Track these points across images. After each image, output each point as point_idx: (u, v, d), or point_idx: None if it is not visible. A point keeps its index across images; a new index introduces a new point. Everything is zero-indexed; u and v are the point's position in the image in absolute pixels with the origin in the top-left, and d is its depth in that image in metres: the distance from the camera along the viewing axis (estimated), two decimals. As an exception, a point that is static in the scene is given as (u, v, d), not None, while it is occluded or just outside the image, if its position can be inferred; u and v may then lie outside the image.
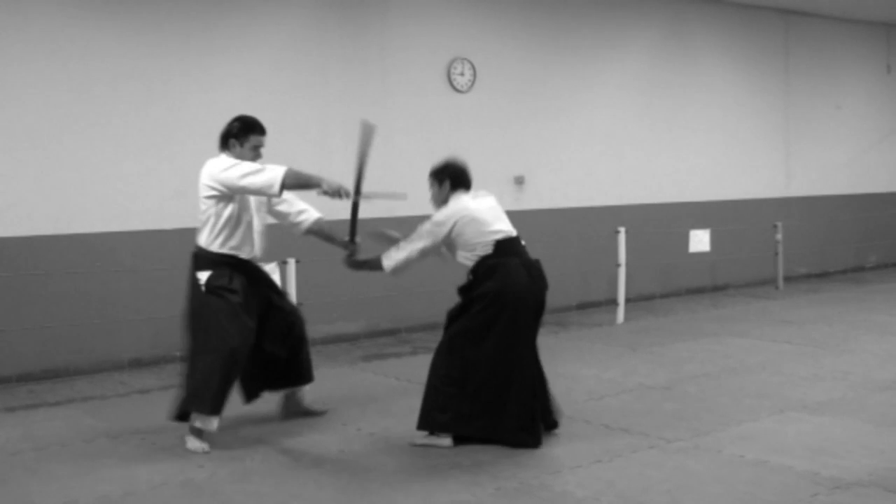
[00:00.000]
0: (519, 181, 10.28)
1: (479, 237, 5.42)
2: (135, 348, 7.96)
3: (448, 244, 5.51)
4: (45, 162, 7.51)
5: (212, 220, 5.51)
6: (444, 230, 5.44)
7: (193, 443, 5.44)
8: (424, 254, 5.52)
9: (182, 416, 5.54)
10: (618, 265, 9.85)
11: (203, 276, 5.49)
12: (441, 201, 5.59)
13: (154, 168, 7.99)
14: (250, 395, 5.89)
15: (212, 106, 8.28)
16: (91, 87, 7.68)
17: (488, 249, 5.41)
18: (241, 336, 5.40)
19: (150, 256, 7.97)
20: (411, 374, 7.41)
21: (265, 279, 5.77)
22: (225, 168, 5.42)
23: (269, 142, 8.43)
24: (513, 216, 10.03)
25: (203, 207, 5.52)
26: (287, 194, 5.60)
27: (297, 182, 5.35)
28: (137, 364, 7.94)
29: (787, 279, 12.61)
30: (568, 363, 7.49)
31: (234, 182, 5.37)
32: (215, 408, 5.39)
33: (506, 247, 5.42)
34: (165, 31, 8.02)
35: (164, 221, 8.02)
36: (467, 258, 5.47)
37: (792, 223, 12.79)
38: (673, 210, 11.72)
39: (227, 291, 5.43)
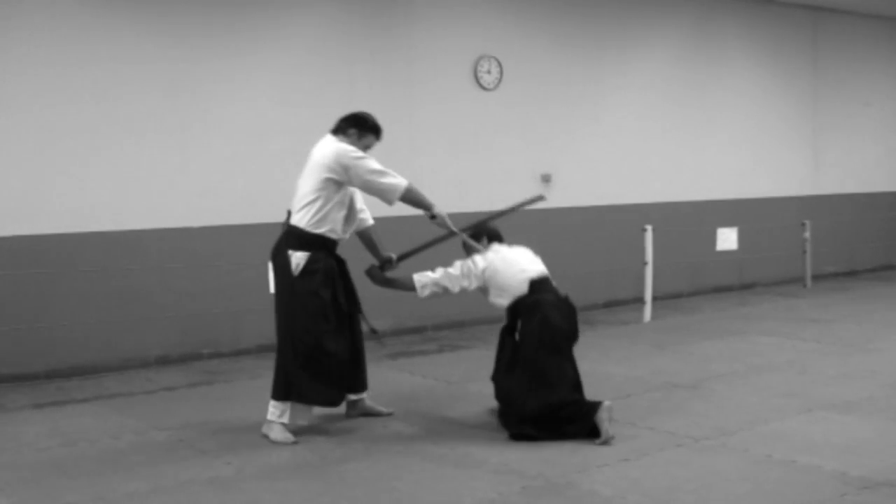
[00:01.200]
0: (546, 179, 10.24)
1: (512, 278, 5.68)
2: (161, 346, 7.98)
3: (483, 285, 5.75)
4: (75, 160, 7.54)
5: (319, 202, 5.44)
6: (479, 268, 5.73)
7: (278, 433, 5.46)
8: (455, 283, 5.75)
9: (284, 395, 5.51)
10: (644, 263, 9.80)
11: (299, 257, 5.43)
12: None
13: (182, 166, 8.00)
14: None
15: (238, 105, 8.30)
16: (120, 86, 7.70)
17: (523, 289, 5.65)
18: (329, 332, 5.45)
19: (178, 254, 7.98)
20: (438, 372, 7.39)
21: (345, 269, 5.75)
22: (356, 156, 5.42)
23: (293, 141, 8.52)
24: (539, 214, 10.13)
25: (312, 186, 5.44)
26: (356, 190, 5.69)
27: (413, 198, 5.51)
28: (164, 361, 7.96)
29: (815, 277, 12.50)
30: (595, 361, 7.45)
31: (360, 173, 5.39)
32: (316, 399, 5.49)
33: (539, 286, 5.67)
34: (192, 31, 8.03)
35: (191, 219, 8.04)
36: (502, 298, 5.71)
37: (820, 221, 12.67)
38: (700, 208, 11.64)
39: (321, 278, 5.42)
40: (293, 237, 5.48)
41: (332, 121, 8.75)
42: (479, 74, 9.71)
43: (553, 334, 5.49)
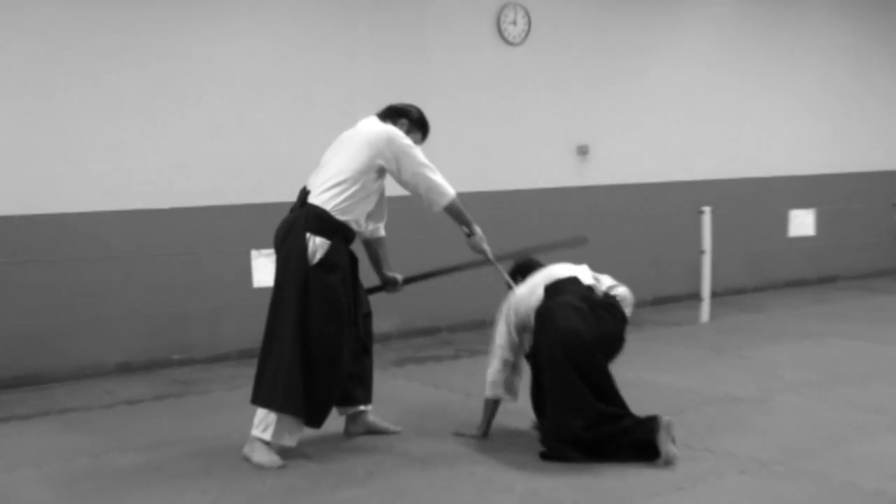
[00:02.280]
0: (582, 151, 10.21)
1: (530, 297, 5.71)
2: (124, 351, 7.99)
3: (524, 328, 5.76)
4: (16, 127, 7.54)
5: (355, 187, 5.48)
6: (507, 316, 5.78)
7: (262, 454, 5.44)
8: (509, 351, 5.76)
9: (270, 402, 5.48)
10: (701, 252, 9.77)
11: (318, 243, 5.40)
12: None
13: (151, 135, 8.00)
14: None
15: (221, 61, 8.28)
16: (75, 39, 7.69)
17: (539, 294, 5.71)
18: (342, 337, 5.47)
19: (145, 241, 7.98)
20: (453, 381, 7.38)
21: (356, 260, 5.78)
22: (410, 144, 5.56)
23: (284, 104, 8.53)
24: (574, 193, 10.11)
25: (350, 166, 5.48)
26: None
27: (459, 210, 5.71)
28: (126, 369, 7.96)
29: (908, 269, 12.47)
30: (641, 369, 7.42)
31: (412, 164, 5.53)
32: (312, 416, 5.51)
33: (558, 288, 5.70)
34: (160, -26, 8.02)
35: (162, 199, 8.04)
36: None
37: (915, 201, 12.60)
38: (769, 186, 11.59)
39: (343, 274, 5.47)
40: (314, 219, 5.45)
41: (330, 79, 8.90)
42: (503, 26, 9.68)
43: (568, 342, 5.41)
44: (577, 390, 5.35)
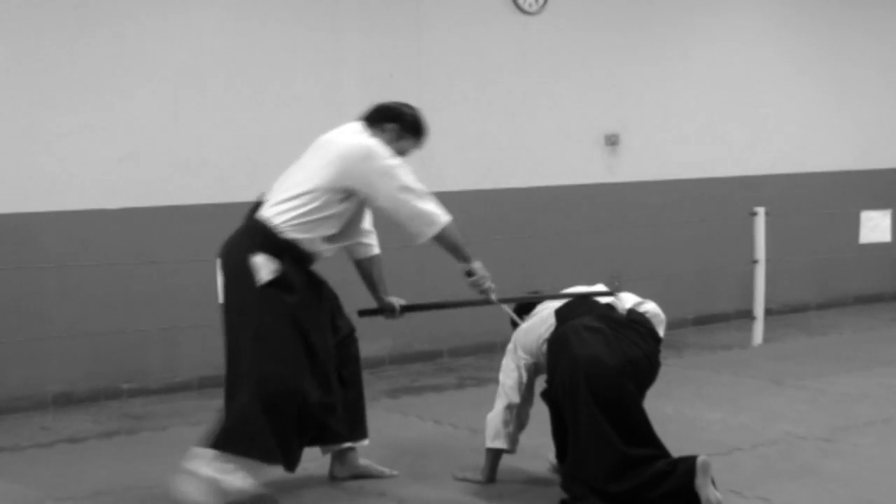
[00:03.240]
0: (611, 141, 10.21)
1: (538, 335, 5.75)
2: (63, 378, 7.96)
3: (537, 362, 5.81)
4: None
5: (315, 203, 5.47)
6: (515, 352, 5.87)
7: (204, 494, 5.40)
8: (516, 392, 5.80)
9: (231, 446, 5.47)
10: (754, 262, 9.77)
11: (263, 262, 5.40)
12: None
13: (92, 124, 7.98)
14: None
15: (176, 37, 8.28)
16: (7, 14, 7.69)
17: (551, 325, 5.71)
18: (306, 368, 5.48)
19: (88, 247, 7.96)
20: (457, 415, 7.36)
21: (327, 287, 5.84)
22: (391, 164, 5.53)
23: (259, 82, 8.51)
24: (602, 191, 10.10)
25: (313, 180, 5.48)
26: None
27: (452, 241, 5.64)
28: (66, 401, 7.93)
29: None
30: (683, 401, 7.42)
31: (391, 189, 5.48)
32: (273, 456, 5.46)
33: (573, 310, 5.72)
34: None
35: (108, 198, 8.02)
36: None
37: None
38: (836, 182, 11.59)
39: (300, 295, 5.48)
40: (258, 235, 5.48)
41: (310, 56, 8.88)
42: (518, -9, 9.71)
43: (590, 371, 5.37)
44: (601, 431, 5.30)
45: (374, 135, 5.64)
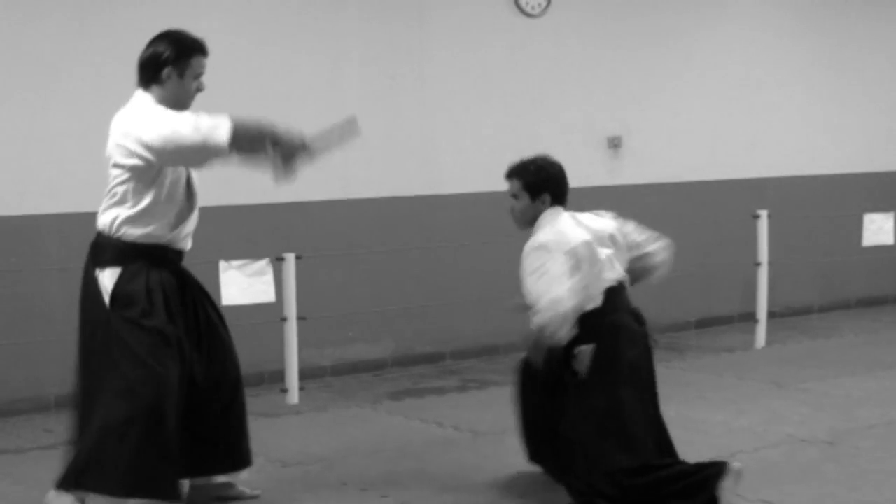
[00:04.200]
0: (613, 143, 10.21)
1: (595, 277, 5.54)
2: (65, 381, 7.94)
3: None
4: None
5: (126, 196, 5.14)
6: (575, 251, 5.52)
7: None
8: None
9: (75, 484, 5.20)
10: (757, 264, 9.77)
11: (107, 276, 5.15)
12: (528, 220, 5.69)
13: (95, 126, 7.97)
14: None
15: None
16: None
17: (598, 301, 5.51)
18: (163, 383, 5.09)
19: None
20: (459, 418, 7.36)
21: (199, 287, 5.56)
22: (146, 119, 5.06)
23: (265, 86, 8.50)
24: (603, 193, 10.07)
25: (114, 175, 5.17)
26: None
27: (246, 134, 5.09)
28: (68, 403, 7.91)
29: None
30: (684, 404, 7.41)
31: (162, 143, 4.99)
32: (137, 488, 5.07)
33: (616, 297, 5.61)
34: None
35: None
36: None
37: None
38: (838, 184, 11.56)
39: (143, 304, 5.12)
40: (96, 249, 5.26)
41: (310, 56, 8.85)
42: (520, -7, 9.72)
43: (632, 373, 5.47)
44: (637, 419, 5.36)
45: (153, 90, 5.24)
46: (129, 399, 5.04)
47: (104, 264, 5.17)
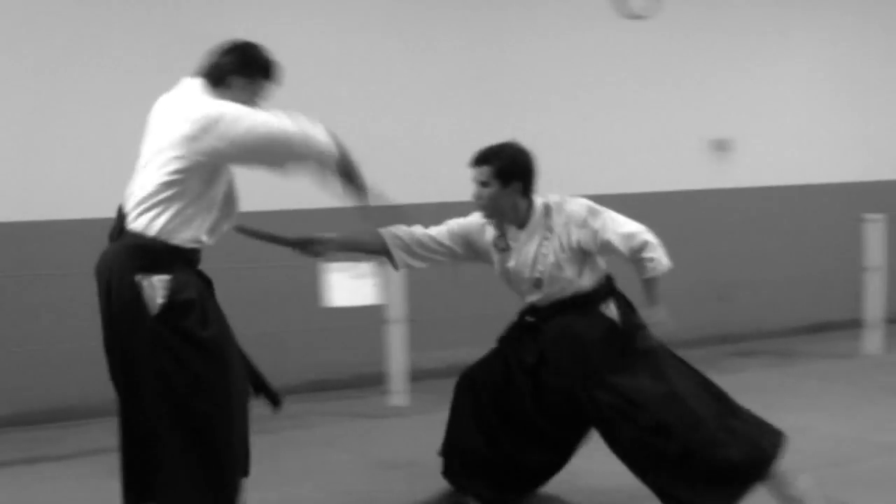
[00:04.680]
0: (721, 146, 10.14)
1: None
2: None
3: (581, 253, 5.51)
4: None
5: (180, 194, 4.67)
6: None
7: None
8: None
9: None
10: (865, 269, 9.67)
11: (156, 284, 4.67)
12: (497, 209, 5.49)
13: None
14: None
15: (274, 41, 8.28)
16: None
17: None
18: (241, 396, 4.97)
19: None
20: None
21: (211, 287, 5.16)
22: (238, 118, 4.66)
23: (359, 86, 8.54)
24: (710, 197, 10.01)
25: (170, 172, 4.64)
26: None
27: (346, 167, 4.93)
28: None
29: None
30: (794, 411, 7.32)
31: (237, 134, 4.64)
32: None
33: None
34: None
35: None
36: (587, 277, 5.55)
37: None
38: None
39: (198, 314, 4.79)
40: (138, 253, 4.70)
41: (398, 65, 8.88)
42: (626, -5, 9.71)
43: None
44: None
45: (217, 93, 4.81)
46: (215, 421, 4.80)
47: (149, 270, 4.66)
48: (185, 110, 4.65)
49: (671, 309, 9.32)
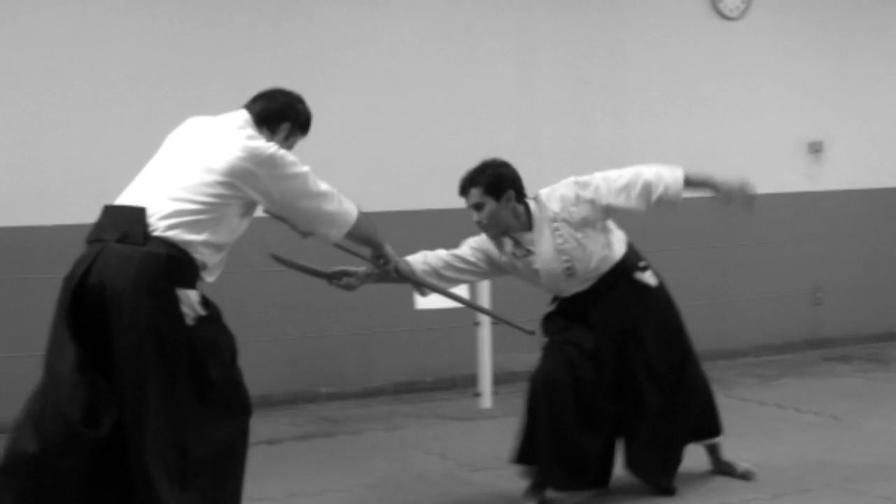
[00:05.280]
0: (814, 149, 10.02)
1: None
2: (261, 382, 8.04)
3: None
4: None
5: (217, 221, 4.64)
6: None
7: None
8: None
9: None
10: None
11: (192, 298, 4.58)
12: (500, 223, 5.52)
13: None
14: None
15: (375, 44, 8.38)
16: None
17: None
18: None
19: (286, 254, 8.06)
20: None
21: None
22: (295, 172, 4.76)
23: (458, 90, 8.54)
24: (804, 200, 9.89)
25: (208, 193, 4.58)
26: None
27: (364, 232, 5.12)
28: (265, 404, 8.02)
29: None
30: (887, 417, 7.17)
31: (298, 197, 4.81)
32: None
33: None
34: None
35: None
36: (616, 245, 5.67)
37: None
38: None
39: (218, 325, 4.80)
40: (174, 265, 4.52)
41: (498, 65, 8.87)
42: (719, -5, 9.64)
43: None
44: None
45: (261, 134, 4.81)
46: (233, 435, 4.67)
47: (186, 284, 4.57)
48: (241, 141, 4.66)
49: (763, 312, 9.25)
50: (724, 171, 9.33)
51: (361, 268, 5.57)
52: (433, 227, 8.29)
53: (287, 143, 4.95)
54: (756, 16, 9.71)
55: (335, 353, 8.30)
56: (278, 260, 5.40)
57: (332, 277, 5.60)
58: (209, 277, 4.73)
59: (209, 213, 4.57)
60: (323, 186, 4.86)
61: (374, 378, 8.43)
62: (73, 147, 7.68)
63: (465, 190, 5.53)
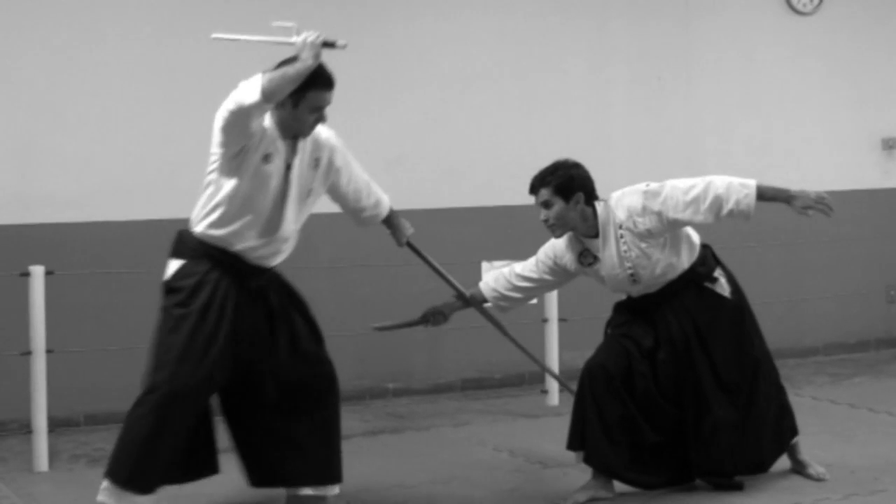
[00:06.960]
0: (889, 144, 9.93)
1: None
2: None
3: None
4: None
5: (210, 193, 4.98)
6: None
7: None
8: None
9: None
10: None
11: (171, 267, 5.01)
12: (567, 224, 5.56)
13: (361, 128, 8.11)
14: (257, 480, 5.41)
15: (443, 42, 8.43)
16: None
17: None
18: (191, 376, 4.92)
19: (355, 249, 8.09)
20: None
21: (292, 298, 5.47)
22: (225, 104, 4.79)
23: (529, 87, 8.56)
24: (879, 196, 9.79)
25: (210, 161, 4.98)
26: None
27: (281, 82, 4.76)
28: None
29: None
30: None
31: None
32: (130, 480, 4.90)
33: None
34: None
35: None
36: (685, 254, 5.63)
37: None
38: None
39: (188, 301, 4.94)
40: (175, 239, 5.12)
41: (571, 57, 8.87)
42: (792, -10, 9.56)
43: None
44: None
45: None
46: (150, 391, 4.91)
47: (174, 255, 5.02)
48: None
49: (835, 310, 9.15)
50: (803, 167, 9.41)
51: (447, 301, 6.12)
52: (504, 224, 8.33)
53: (294, 111, 4.96)
54: (829, 10, 9.64)
55: (403, 350, 8.32)
56: (384, 329, 6.26)
57: (424, 321, 6.09)
58: (253, 257, 5.10)
59: (206, 189, 5.03)
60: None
61: (441, 374, 8.46)
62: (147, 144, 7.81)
63: (535, 189, 5.55)
